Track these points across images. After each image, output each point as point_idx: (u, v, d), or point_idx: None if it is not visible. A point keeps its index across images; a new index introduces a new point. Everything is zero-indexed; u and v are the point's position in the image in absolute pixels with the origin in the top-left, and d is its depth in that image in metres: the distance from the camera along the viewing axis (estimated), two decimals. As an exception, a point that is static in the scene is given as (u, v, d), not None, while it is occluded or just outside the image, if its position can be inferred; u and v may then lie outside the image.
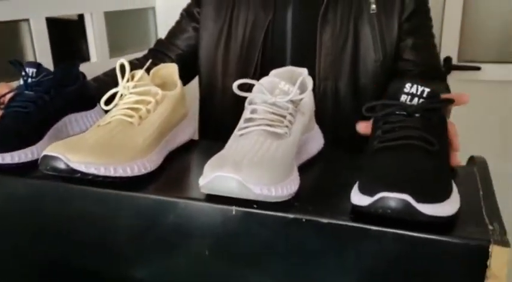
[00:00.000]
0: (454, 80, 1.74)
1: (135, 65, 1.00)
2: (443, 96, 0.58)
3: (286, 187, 0.54)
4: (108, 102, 0.67)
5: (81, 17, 1.46)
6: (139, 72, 0.67)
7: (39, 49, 1.26)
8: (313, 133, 0.69)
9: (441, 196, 0.48)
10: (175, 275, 0.61)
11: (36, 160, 0.61)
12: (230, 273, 0.58)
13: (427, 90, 0.55)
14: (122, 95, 0.67)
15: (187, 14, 1.08)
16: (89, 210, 0.61)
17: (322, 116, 0.85)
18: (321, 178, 0.66)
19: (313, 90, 0.91)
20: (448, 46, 1.73)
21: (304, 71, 0.68)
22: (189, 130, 0.76)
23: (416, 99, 0.56)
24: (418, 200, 0.46)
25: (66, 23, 1.60)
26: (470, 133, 1.77)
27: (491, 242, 0.47)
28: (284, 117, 0.61)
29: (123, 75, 0.67)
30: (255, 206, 0.54)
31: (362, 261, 0.52)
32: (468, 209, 0.53)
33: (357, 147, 0.63)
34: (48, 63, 1.25)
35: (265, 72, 0.68)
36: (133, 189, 0.59)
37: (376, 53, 0.94)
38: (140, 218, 0.60)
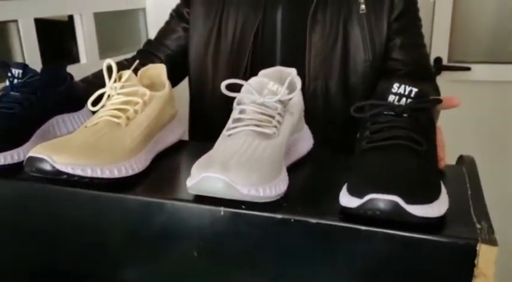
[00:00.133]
0: (444, 80, 1.75)
1: (124, 65, 0.99)
2: (432, 98, 0.58)
3: (275, 187, 0.54)
4: (95, 103, 0.66)
5: (71, 17, 1.45)
6: (127, 73, 0.67)
7: (27, 50, 1.25)
8: (303, 133, 0.69)
9: (430, 197, 0.48)
10: (163, 276, 0.61)
11: (23, 162, 0.60)
12: (219, 274, 0.58)
13: (414, 90, 0.55)
14: (109, 95, 0.67)
15: (177, 15, 1.07)
16: (75, 212, 0.60)
17: (312, 115, 0.85)
18: (310, 178, 0.66)
19: (304, 90, 0.92)
20: (438, 47, 1.73)
21: (293, 71, 0.67)
22: (178, 131, 0.76)
23: (404, 99, 0.56)
24: (408, 201, 0.46)
25: (56, 24, 1.58)
26: (460, 133, 1.79)
27: (479, 240, 0.47)
28: (273, 117, 0.60)
29: (110, 76, 0.66)
30: (243, 206, 0.53)
31: (351, 261, 0.52)
32: (457, 208, 0.53)
33: (348, 147, 0.63)
34: (37, 64, 1.24)
35: (255, 73, 0.68)
36: (121, 190, 0.58)
37: (365, 53, 0.94)
38: (128, 220, 0.59)
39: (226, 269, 0.57)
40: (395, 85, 0.56)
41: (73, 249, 0.63)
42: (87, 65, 1.44)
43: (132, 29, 1.76)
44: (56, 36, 1.58)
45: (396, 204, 0.45)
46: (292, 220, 0.52)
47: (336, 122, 0.96)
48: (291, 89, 0.63)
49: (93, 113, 0.68)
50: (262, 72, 0.68)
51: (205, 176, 0.51)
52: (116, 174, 0.59)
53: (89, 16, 1.45)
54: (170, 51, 1.06)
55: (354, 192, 0.49)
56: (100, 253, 0.62)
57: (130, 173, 0.60)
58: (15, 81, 0.71)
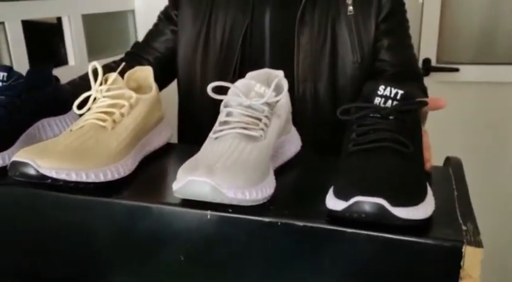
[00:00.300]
0: (432, 81, 1.76)
1: (112, 68, 0.99)
2: (418, 100, 0.58)
3: (261, 190, 0.53)
4: (81, 106, 0.66)
5: (60, 19, 1.44)
6: (113, 76, 0.66)
7: (15, 53, 1.23)
8: (290, 136, 0.69)
9: (416, 199, 0.48)
10: (151, 281, 0.60)
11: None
12: (206, 278, 0.57)
13: (400, 92, 0.56)
14: (95, 98, 0.66)
15: (165, 17, 1.07)
16: (61, 217, 0.60)
17: (301, 117, 0.85)
18: (298, 181, 0.66)
19: (292, 92, 0.92)
20: (426, 48, 1.74)
21: (280, 73, 0.67)
22: (165, 133, 0.75)
23: (390, 101, 0.56)
24: (393, 204, 0.46)
25: (45, 26, 1.57)
26: (448, 133, 1.80)
27: (465, 242, 0.47)
28: (260, 119, 0.60)
29: (96, 79, 0.66)
30: (230, 210, 0.53)
31: (338, 263, 0.52)
32: (443, 210, 0.53)
33: (337, 149, 0.63)
34: (25, 67, 1.22)
35: (244, 75, 0.68)
36: (107, 194, 0.58)
37: (354, 55, 0.94)
38: (114, 224, 0.59)
39: (213, 272, 0.57)
40: (381, 87, 0.56)
41: (59, 254, 0.62)
42: (76, 67, 1.43)
43: (121, 31, 1.75)
44: (44, 38, 1.57)
45: (381, 207, 0.45)
46: (279, 223, 0.52)
47: (325, 123, 0.96)
48: (278, 91, 0.63)
49: (80, 116, 0.67)
50: (249, 75, 0.68)
51: (191, 180, 0.50)
52: (102, 178, 0.58)
53: (77, 18, 1.44)
54: (159, 54, 1.06)
55: (339, 195, 0.49)
56: (86, 258, 0.61)
57: (117, 177, 0.60)
58: (0, 84, 0.70)
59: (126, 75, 0.73)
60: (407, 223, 0.47)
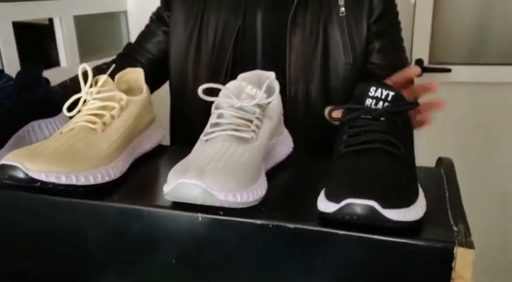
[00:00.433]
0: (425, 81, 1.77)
1: (104, 69, 0.98)
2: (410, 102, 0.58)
3: (253, 192, 0.53)
4: (72, 108, 0.65)
5: (51, 21, 1.43)
6: (103, 78, 0.66)
7: (5, 54, 1.22)
8: (282, 137, 0.69)
9: (407, 201, 0.48)
10: (142, 285, 0.60)
11: (-4, 170, 0.59)
12: (197, 281, 0.57)
13: (391, 93, 0.55)
14: (85, 100, 0.66)
15: (157, 18, 1.06)
16: (50, 220, 0.59)
17: (293, 119, 0.85)
18: (289, 182, 0.65)
19: (284, 93, 0.92)
20: (419, 48, 1.75)
21: (271, 74, 0.67)
22: (156, 135, 0.75)
23: (381, 103, 0.56)
24: (384, 206, 0.46)
25: (37, 28, 1.56)
26: (440, 133, 1.80)
27: (456, 243, 0.47)
28: (251, 121, 0.60)
29: (86, 81, 0.65)
30: (221, 212, 0.53)
31: (330, 265, 0.52)
32: (434, 211, 0.53)
33: (329, 150, 0.63)
34: (15, 68, 1.21)
35: (236, 77, 0.67)
36: (97, 197, 0.57)
37: (346, 56, 0.94)
38: (105, 227, 0.58)
39: (204, 275, 0.56)
40: (372, 89, 0.56)
41: (50, 257, 0.62)
42: (68, 69, 1.42)
43: (113, 32, 1.74)
44: (36, 39, 1.56)
45: (372, 209, 0.45)
46: (271, 225, 0.52)
47: (317, 125, 0.95)
48: (269, 92, 0.63)
49: (71, 118, 0.66)
50: (241, 76, 0.68)
51: (182, 182, 0.50)
52: (92, 181, 0.58)
53: (69, 19, 1.43)
54: (151, 55, 1.05)
55: (331, 197, 0.48)
56: (77, 261, 0.61)
57: (107, 179, 0.59)
58: (-11, 86, 0.69)
59: (116, 77, 0.72)
60: (399, 225, 0.47)
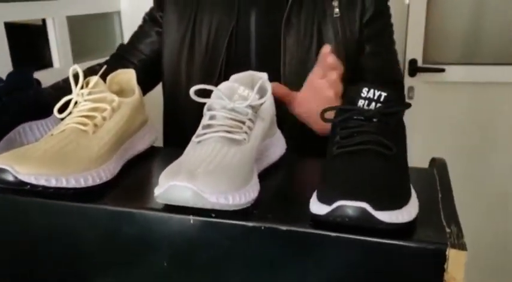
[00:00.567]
0: (419, 81, 1.77)
1: (97, 70, 0.97)
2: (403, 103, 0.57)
3: (245, 194, 0.53)
4: (63, 110, 0.65)
5: (45, 21, 1.42)
6: (94, 79, 0.65)
7: (-3, 55, 1.22)
8: (275, 139, 0.69)
9: (399, 202, 0.48)
10: (134, 288, 0.59)
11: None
12: (190, 284, 0.56)
13: (384, 94, 0.55)
14: (76, 102, 0.65)
15: (150, 18, 1.06)
16: (41, 223, 0.59)
17: (287, 120, 0.84)
18: (282, 184, 0.65)
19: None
20: (412, 48, 1.75)
21: (264, 75, 0.67)
22: (149, 137, 0.74)
23: (373, 103, 0.55)
24: (376, 208, 0.45)
25: (30, 28, 1.55)
26: (434, 133, 1.81)
27: (448, 245, 0.47)
28: (243, 123, 0.60)
29: (77, 82, 0.65)
30: (212, 215, 0.52)
31: (322, 268, 0.51)
32: (427, 212, 0.53)
33: (322, 152, 0.63)
34: (8, 69, 1.20)
35: (229, 77, 0.67)
36: (88, 200, 0.57)
37: (339, 58, 0.93)
38: (96, 230, 0.58)
39: (196, 277, 0.56)
40: (365, 90, 0.55)
41: (39, 261, 0.61)
42: (61, 70, 1.41)
43: (107, 33, 1.73)
44: (29, 40, 1.55)
45: (364, 211, 0.45)
46: (263, 227, 0.51)
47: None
48: (262, 93, 0.63)
49: (62, 120, 0.66)
50: (233, 77, 0.67)
51: (173, 185, 0.50)
52: (83, 183, 0.57)
53: (62, 20, 1.42)
54: (144, 56, 1.05)
55: (323, 199, 0.48)
56: (68, 264, 0.60)
57: (98, 182, 0.59)
58: (-21, 88, 0.68)
59: (108, 78, 0.72)
60: (391, 227, 0.47)
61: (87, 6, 1.53)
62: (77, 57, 1.49)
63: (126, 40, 1.12)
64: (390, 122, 0.56)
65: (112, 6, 1.67)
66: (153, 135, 0.75)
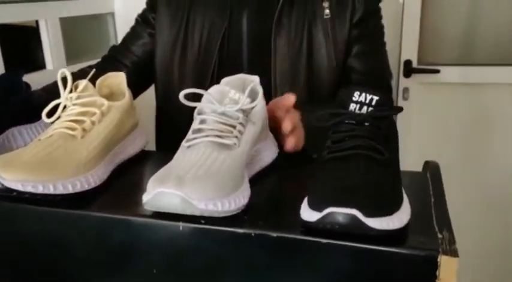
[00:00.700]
0: (414, 82, 1.77)
1: (89, 72, 0.96)
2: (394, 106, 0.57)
3: (235, 200, 0.52)
4: (52, 113, 0.64)
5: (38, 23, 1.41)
6: (83, 82, 0.64)
7: (-11, 57, 1.20)
8: (267, 143, 0.68)
9: (390, 208, 0.48)
10: (123, 295, 0.58)
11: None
12: (180, 291, 0.56)
13: (376, 98, 0.55)
14: (65, 106, 0.64)
15: (142, 20, 1.05)
16: (29, 230, 0.58)
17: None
18: (274, 189, 0.64)
19: (270, 96, 0.91)
20: (407, 49, 1.75)
21: (255, 78, 0.66)
22: (140, 141, 0.73)
23: (365, 107, 0.55)
24: (366, 215, 0.45)
25: (23, 30, 1.54)
26: (429, 135, 1.81)
27: (440, 251, 0.47)
28: (234, 127, 0.59)
29: (66, 86, 0.64)
30: (202, 221, 0.51)
31: (313, 274, 0.50)
32: (419, 218, 0.52)
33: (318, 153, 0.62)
34: (0, 71, 1.19)
35: (222, 79, 0.66)
36: (76, 206, 0.56)
37: (329, 59, 0.93)
38: (84, 237, 0.57)
39: (186, 285, 0.55)
40: (356, 93, 0.55)
41: (27, 268, 0.60)
42: (54, 72, 1.39)
43: (100, 34, 1.72)
44: (23, 42, 1.54)
45: (355, 218, 0.44)
46: (253, 234, 0.51)
47: None
48: (253, 97, 0.62)
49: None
50: (224, 80, 0.67)
51: (160, 192, 0.49)
52: (70, 189, 0.56)
53: (55, 21, 1.41)
54: (136, 57, 1.04)
55: (313, 205, 0.47)
56: (56, 272, 0.59)
57: (87, 187, 0.58)
58: (-34, 92, 0.67)
59: (98, 81, 0.71)
60: (382, 233, 0.46)
61: (80, 7, 1.52)
62: (71, 59, 1.47)
63: (119, 41, 1.11)
64: (382, 126, 0.55)
65: (106, 8, 1.65)
66: (144, 139, 0.74)
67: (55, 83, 0.91)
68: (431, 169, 0.66)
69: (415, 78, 1.76)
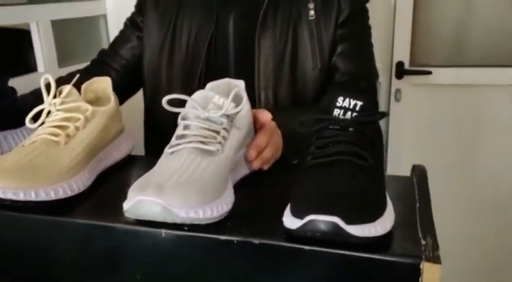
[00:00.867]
0: (406, 84, 1.76)
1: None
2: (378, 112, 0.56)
3: (217, 207, 0.52)
4: (35, 119, 0.63)
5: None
6: (67, 88, 0.64)
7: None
8: (253, 147, 0.67)
9: (373, 215, 0.47)
10: (108, 302, 0.58)
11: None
12: (163, 298, 0.55)
13: (360, 103, 0.54)
14: (49, 112, 0.64)
15: (131, 23, 1.05)
16: (10, 237, 0.57)
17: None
18: (258, 195, 0.64)
19: (254, 99, 0.90)
20: (399, 51, 1.75)
21: (240, 83, 0.66)
22: (126, 146, 0.73)
23: (349, 113, 0.54)
24: (348, 222, 0.44)
25: (15, 32, 1.53)
26: (421, 136, 1.80)
27: (423, 258, 0.46)
28: (218, 132, 0.58)
29: (49, 91, 0.63)
30: (185, 228, 0.51)
31: (296, 281, 0.50)
32: (403, 224, 0.52)
33: (300, 159, 0.61)
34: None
35: (210, 82, 0.66)
36: (58, 213, 0.56)
37: (314, 61, 0.92)
38: (66, 244, 0.56)
39: (170, 292, 0.55)
40: (340, 99, 0.54)
41: (10, 275, 0.60)
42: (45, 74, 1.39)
43: (92, 37, 1.71)
44: (14, 44, 1.53)
45: (336, 225, 0.44)
46: (235, 241, 0.50)
47: None
48: (237, 102, 0.62)
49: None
50: (210, 85, 0.66)
51: (140, 200, 0.48)
52: (53, 196, 0.56)
53: (46, 24, 1.41)
54: (125, 61, 1.03)
55: (295, 212, 0.47)
56: (38, 278, 0.59)
57: (70, 194, 0.58)
58: (-51, 97, 0.67)
59: (83, 86, 0.70)
60: (364, 241, 0.46)
61: (72, 9, 1.52)
62: (63, 62, 1.47)
63: (112, 44, 1.10)
64: (366, 132, 0.55)
65: (97, 10, 1.65)
66: (130, 144, 0.74)
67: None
68: (418, 173, 0.66)
69: (407, 80, 1.76)
